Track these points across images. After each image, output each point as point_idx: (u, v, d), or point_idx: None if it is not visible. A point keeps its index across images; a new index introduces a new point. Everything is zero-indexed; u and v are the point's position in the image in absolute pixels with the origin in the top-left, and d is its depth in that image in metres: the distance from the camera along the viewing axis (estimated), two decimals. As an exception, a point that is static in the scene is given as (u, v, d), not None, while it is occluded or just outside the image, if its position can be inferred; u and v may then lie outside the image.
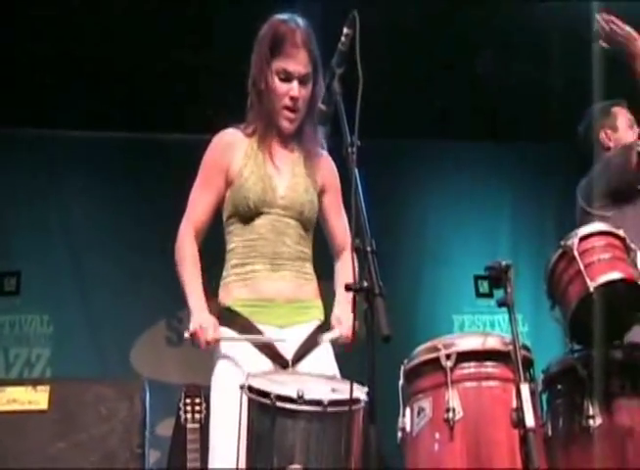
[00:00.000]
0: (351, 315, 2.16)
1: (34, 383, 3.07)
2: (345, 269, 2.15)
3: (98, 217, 5.81)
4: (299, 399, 2.22)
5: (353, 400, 2.20)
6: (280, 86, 2.81)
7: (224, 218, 2.88)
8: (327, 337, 2.71)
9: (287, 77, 2.80)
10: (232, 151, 2.85)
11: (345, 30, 2.41)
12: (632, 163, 3.66)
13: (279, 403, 2.23)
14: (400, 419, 2.77)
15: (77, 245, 5.75)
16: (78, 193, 5.84)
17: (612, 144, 4.00)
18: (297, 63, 2.80)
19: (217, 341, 2.67)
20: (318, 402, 2.23)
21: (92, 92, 5.36)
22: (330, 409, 2.23)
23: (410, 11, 4.96)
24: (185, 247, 2.81)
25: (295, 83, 2.81)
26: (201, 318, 2.65)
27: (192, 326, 2.63)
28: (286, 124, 2.85)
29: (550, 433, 2.91)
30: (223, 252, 2.87)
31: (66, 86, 5.30)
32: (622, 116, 4.03)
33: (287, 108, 2.82)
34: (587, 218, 3.69)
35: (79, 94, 5.35)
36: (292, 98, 2.80)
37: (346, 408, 2.19)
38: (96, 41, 5.12)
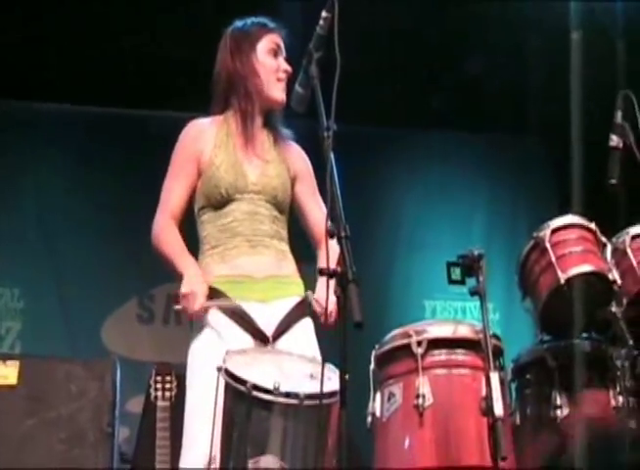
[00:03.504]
0: (334, 298, 2.08)
1: (4, 358, 3.04)
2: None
3: (71, 194, 5.74)
4: (276, 391, 2.20)
5: (330, 394, 2.17)
6: (272, 62, 2.87)
7: (196, 209, 2.85)
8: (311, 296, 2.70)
9: (276, 53, 2.87)
10: (203, 140, 2.84)
11: (324, 14, 2.41)
12: None
13: (255, 393, 2.21)
14: (370, 404, 2.79)
15: (50, 221, 5.68)
16: (52, 169, 5.77)
17: None
18: (281, 40, 2.90)
19: (206, 310, 2.60)
20: (294, 395, 2.21)
21: (69, 64, 5.31)
22: (306, 403, 2.21)
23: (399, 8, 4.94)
24: (164, 231, 2.77)
25: (282, 59, 2.88)
26: (193, 283, 2.62)
27: (183, 289, 2.59)
28: (282, 95, 2.85)
29: (518, 422, 2.94)
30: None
31: (41, 57, 5.23)
32: None
33: (280, 80, 2.86)
34: None
35: (54, 66, 5.29)
36: (285, 71, 2.86)
37: (323, 401, 2.16)
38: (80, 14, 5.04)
